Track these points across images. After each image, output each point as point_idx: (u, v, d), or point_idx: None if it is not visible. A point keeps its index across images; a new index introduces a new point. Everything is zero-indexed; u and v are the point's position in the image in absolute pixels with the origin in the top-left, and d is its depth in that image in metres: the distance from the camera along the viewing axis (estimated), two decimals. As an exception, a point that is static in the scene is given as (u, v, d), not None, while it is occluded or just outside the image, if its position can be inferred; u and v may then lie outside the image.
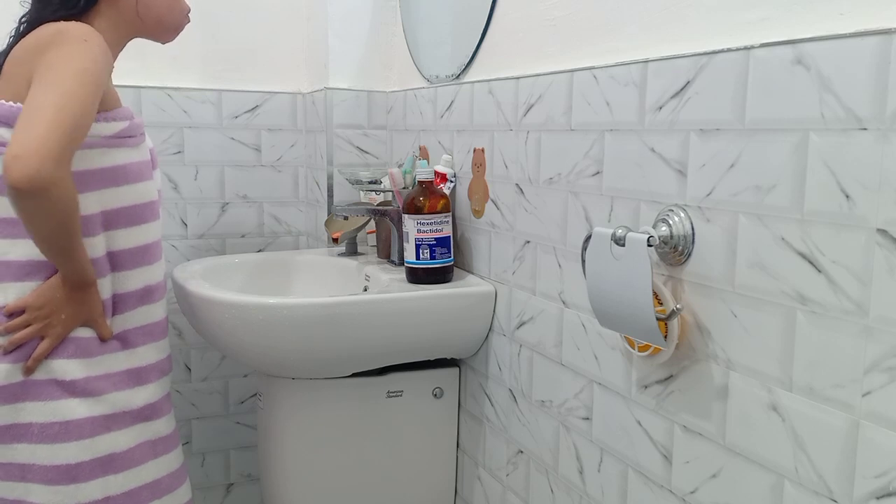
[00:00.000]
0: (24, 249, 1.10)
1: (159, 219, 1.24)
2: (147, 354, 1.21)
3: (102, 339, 1.15)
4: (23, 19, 1.18)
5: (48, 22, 1.12)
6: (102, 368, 1.14)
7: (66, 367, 1.12)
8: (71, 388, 1.11)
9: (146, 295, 1.21)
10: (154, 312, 1.23)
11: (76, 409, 1.11)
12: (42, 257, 1.09)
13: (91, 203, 1.12)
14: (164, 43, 1.29)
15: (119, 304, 1.18)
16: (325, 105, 1.81)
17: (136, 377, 1.18)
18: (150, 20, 1.22)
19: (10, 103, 1.09)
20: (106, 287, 1.16)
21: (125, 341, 1.18)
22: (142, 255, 1.19)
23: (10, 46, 1.15)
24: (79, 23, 1.11)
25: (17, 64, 1.10)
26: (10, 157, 0.95)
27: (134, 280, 1.19)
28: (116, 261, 1.17)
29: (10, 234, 1.11)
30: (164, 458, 1.21)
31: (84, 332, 1.14)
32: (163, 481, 1.21)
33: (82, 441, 1.12)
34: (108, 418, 1.14)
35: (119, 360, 1.17)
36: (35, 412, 1.10)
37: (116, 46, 1.21)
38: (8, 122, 1.08)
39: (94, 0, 1.16)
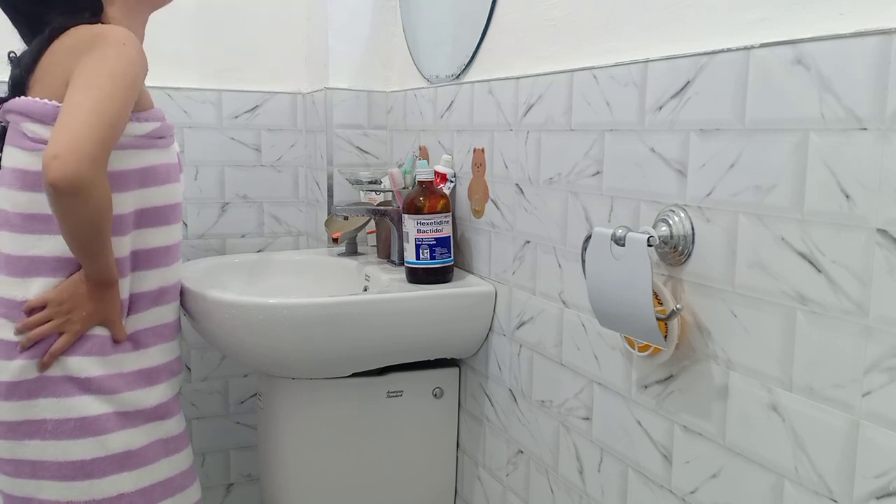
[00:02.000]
0: (50, 245, 1.11)
1: (181, 222, 1.27)
2: (157, 355, 1.22)
3: (116, 341, 1.16)
4: (49, 23, 1.17)
5: (79, 25, 1.14)
6: (116, 367, 1.15)
7: (83, 365, 1.12)
8: (86, 386, 1.12)
9: (160, 296, 1.23)
10: (166, 314, 1.24)
11: (91, 405, 1.12)
12: (68, 254, 1.11)
13: (126, 202, 1.14)
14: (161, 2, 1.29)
15: (134, 303, 1.19)
16: (325, 105, 1.81)
17: (148, 377, 1.19)
18: None
19: (45, 101, 1.11)
20: (125, 286, 1.17)
21: (137, 342, 1.19)
22: (162, 256, 1.22)
23: (39, 49, 1.15)
24: (117, 27, 1.14)
25: (54, 64, 1.12)
26: (49, 157, 0.98)
27: (151, 280, 1.20)
28: (138, 260, 1.18)
29: (37, 229, 1.12)
30: (175, 457, 1.23)
31: (100, 331, 1.15)
32: (174, 480, 1.22)
33: (97, 437, 1.12)
34: (122, 416, 1.15)
35: (130, 360, 1.18)
36: (49, 408, 1.11)
37: (139, 28, 1.23)
38: (42, 119, 1.10)
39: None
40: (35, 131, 1.11)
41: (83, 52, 1.08)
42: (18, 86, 1.17)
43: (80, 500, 1.12)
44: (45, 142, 1.08)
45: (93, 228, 1.06)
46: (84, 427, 1.12)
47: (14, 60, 1.19)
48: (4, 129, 1.20)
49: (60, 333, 1.11)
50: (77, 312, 1.12)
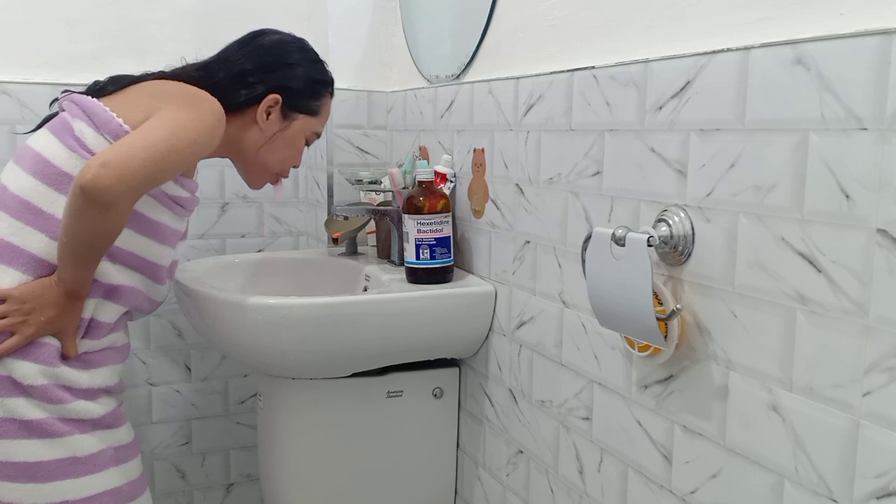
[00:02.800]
0: (34, 242, 1.10)
1: (163, 284, 1.25)
2: (105, 375, 1.18)
3: (65, 356, 1.13)
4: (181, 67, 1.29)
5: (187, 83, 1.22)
6: (60, 380, 1.11)
7: (28, 371, 1.09)
8: (28, 392, 1.09)
9: (117, 325, 1.21)
10: (119, 338, 1.22)
11: (34, 411, 1.09)
12: (48, 257, 1.10)
13: (129, 239, 1.15)
14: (250, 185, 1.39)
15: (92, 329, 1.16)
16: (325, 105, 1.81)
17: (92, 394, 1.16)
18: (256, 159, 1.33)
19: (113, 114, 1.13)
20: (89, 308, 1.14)
21: (86, 361, 1.16)
22: (133, 297, 1.20)
23: (142, 78, 1.23)
24: (218, 103, 1.19)
25: (142, 95, 1.17)
26: (97, 162, 1.01)
27: (113, 313, 1.18)
28: (110, 291, 1.16)
29: (27, 220, 1.10)
30: (124, 466, 1.18)
31: (51, 340, 1.11)
32: (123, 489, 1.17)
33: (44, 440, 1.09)
34: (69, 422, 1.11)
35: (76, 377, 1.13)
36: None
37: (226, 146, 1.30)
38: (99, 126, 1.12)
39: (242, 109, 1.28)
40: (83, 133, 1.12)
41: (178, 99, 1.15)
42: (97, 90, 1.21)
43: None
44: (85, 146, 1.11)
45: (94, 241, 1.07)
46: (30, 429, 1.08)
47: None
48: (51, 117, 1.22)
49: (12, 334, 1.08)
50: (35, 316, 1.09)
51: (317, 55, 1.38)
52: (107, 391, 1.18)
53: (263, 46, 1.33)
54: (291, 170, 1.66)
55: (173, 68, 1.29)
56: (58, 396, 1.11)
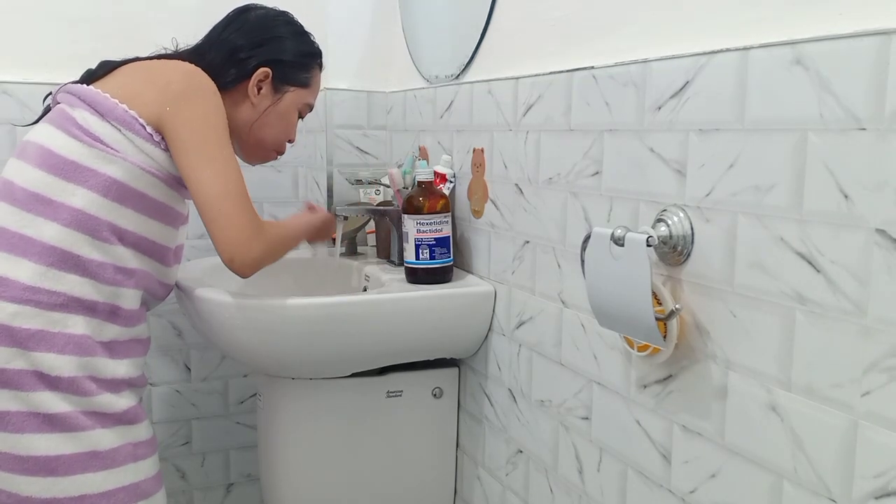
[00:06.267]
0: (46, 231, 1.10)
1: (170, 267, 1.27)
2: (129, 368, 1.19)
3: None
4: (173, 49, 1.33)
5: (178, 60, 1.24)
6: (88, 370, 1.12)
7: (57, 363, 1.09)
8: (55, 384, 1.09)
9: (141, 315, 1.23)
10: (142, 331, 1.24)
11: (59, 404, 1.09)
12: (61, 245, 1.10)
13: (134, 221, 1.16)
14: (248, 162, 1.39)
15: (119, 317, 1.17)
16: (324, 105, 1.81)
17: (116, 386, 1.16)
18: (251, 136, 1.33)
19: (116, 101, 1.14)
20: (110, 294, 1.15)
21: (112, 350, 1.16)
22: (146, 279, 1.22)
23: (133, 58, 1.25)
24: (207, 76, 1.21)
25: (144, 79, 1.19)
26: (227, 261, 1.16)
27: (133, 298, 1.20)
28: (125, 275, 1.17)
29: (37, 210, 1.10)
30: (143, 463, 1.19)
31: (80, 330, 1.11)
32: (140, 485, 1.18)
33: (65, 434, 1.09)
34: (92, 415, 1.12)
35: (102, 366, 1.14)
36: (14, 401, 1.07)
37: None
38: (104, 114, 1.14)
39: (234, 86, 1.29)
40: (87, 121, 1.13)
41: (180, 94, 1.16)
42: (89, 77, 1.23)
43: (40, 497, 1.08)
44: (91, 134, 1.13)
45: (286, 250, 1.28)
46: (52, 423, 1.08)
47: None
48: (48, 109, 1.23)
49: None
50: None
51: (303, 28, 1.38)
52: (130, 383, 1.19)
53: (250, 22, 1.33)
54: (291, 170, 1.67)
55: (163, 53, 1.31)
56: (84, 388, 1.11)
